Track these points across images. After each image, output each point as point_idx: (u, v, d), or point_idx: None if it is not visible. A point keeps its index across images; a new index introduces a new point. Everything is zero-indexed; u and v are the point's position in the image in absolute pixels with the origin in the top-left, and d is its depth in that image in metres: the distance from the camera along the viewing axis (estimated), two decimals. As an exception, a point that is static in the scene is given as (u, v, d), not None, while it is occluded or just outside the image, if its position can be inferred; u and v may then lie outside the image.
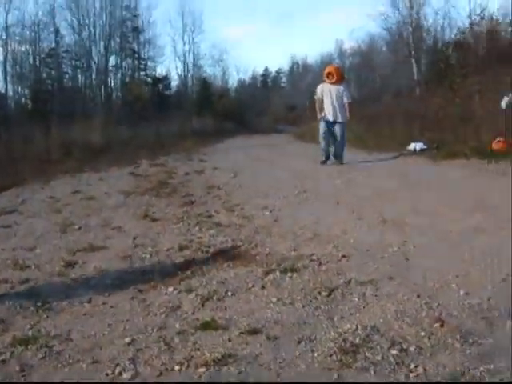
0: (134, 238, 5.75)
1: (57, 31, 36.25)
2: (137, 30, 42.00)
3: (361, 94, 49.04)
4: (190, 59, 46.54)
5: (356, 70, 58.86)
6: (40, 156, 14.43)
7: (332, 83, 11.15)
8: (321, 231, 5.49)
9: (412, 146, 12.81)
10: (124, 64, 42.25)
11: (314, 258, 4.53)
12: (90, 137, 19.10)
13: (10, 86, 34.15)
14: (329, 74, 11.24)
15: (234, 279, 4.15)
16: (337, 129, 11.19)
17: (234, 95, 58.36)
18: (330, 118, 11.12)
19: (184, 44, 45.75)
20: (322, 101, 11.21)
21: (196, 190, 8.90)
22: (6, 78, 32.05)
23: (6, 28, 29.81)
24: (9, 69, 32.89)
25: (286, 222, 6.10)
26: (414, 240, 4.86)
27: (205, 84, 48.15)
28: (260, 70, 76.68)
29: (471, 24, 21.63)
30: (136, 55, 43.03)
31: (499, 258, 4.16)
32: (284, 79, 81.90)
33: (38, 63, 35.35)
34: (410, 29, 26.41)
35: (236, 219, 6.39)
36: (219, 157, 15.90)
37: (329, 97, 11.09)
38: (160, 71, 45.45)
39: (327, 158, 11.32)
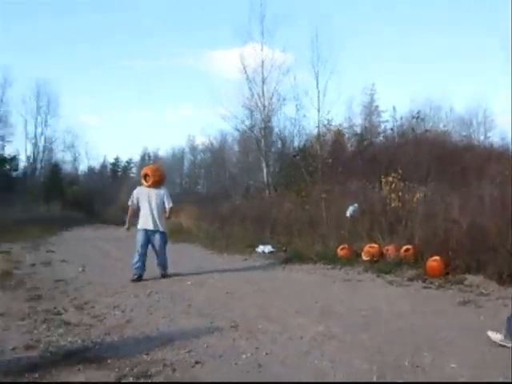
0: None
1: None
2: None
3: (210, 190, 50.06)
4: (41, 142, 45.32)
5: (207, 166, 60.25)
6: None
7: (149, 186, 9.64)
8: (174, 334, 5.49)
9: (261, 248, 13.26)
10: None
11: (168, 363, 4.53)
12: None
13: None
14: (145, 175, 9.74)
15: (84, 384, 4.06)
16: (157, 238, 9.57)
17: (83, 182, 57.15)
18: (149, 227, 9.52)
19: (36, 126, 44.59)
20: (138, 207, 9.69)
21: (43, 284, 8.59)
22: None
23: None
24: None
25: (138, 323, 6.04)
26: (266, 347, 5.02)
27: (54, 169, 46.68)
28: (111, 159, 76.05)
29: (319, 134, 23.06)
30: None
31: (349, 365, 4.42)
32: (134, 170, 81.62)
33: None
34: (262, 133, 27.55)
35: (86, 318, 6.23)
36: (67, 248, 15.40)
37: (146, 202, 9.55)
38: (9, 152, 43.63)
39: (140, 274, 9.35)
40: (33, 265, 10.87)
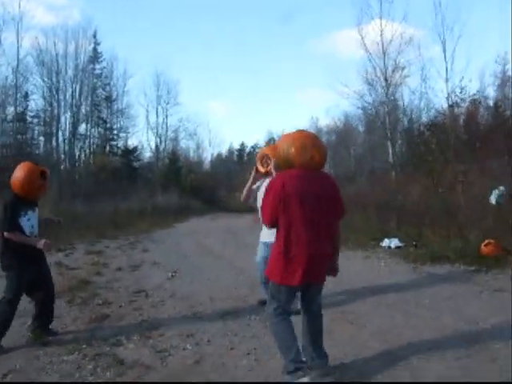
0: (5, 375, 4.31)
1: (25, 95, 34.76)
2: (109, 100, 40.69)
3: (336, 173, 48.26)
4: (163, 131, 44.99)
5: (332, 148, 58.29)
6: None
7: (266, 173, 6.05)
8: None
9: (386, 243, 11.27)
10: (93, 133, 40.43)
11: None
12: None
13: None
14: (265, 157, 6.07)
15: None
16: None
17: (209, 170, 56.60)
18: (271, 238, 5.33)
19: (157, 116, 44.23)
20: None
21: (118, 297, 7.29)
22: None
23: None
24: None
25: (209, 365, 4.45)
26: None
27: (173, 157, 45.91)
28: (236, 145, 75.96)
29: (450, 105, 20.29)
30: (107, 125, 41.49)
31: None
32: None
33: (3, 127, 33.30)
34: (386, 109, 25.48)
35: (147, 354, 4.80)
36: (168, 245, 13.94)
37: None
38: (132, 142, 43.63)
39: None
40: (119, 269, 9.67)
